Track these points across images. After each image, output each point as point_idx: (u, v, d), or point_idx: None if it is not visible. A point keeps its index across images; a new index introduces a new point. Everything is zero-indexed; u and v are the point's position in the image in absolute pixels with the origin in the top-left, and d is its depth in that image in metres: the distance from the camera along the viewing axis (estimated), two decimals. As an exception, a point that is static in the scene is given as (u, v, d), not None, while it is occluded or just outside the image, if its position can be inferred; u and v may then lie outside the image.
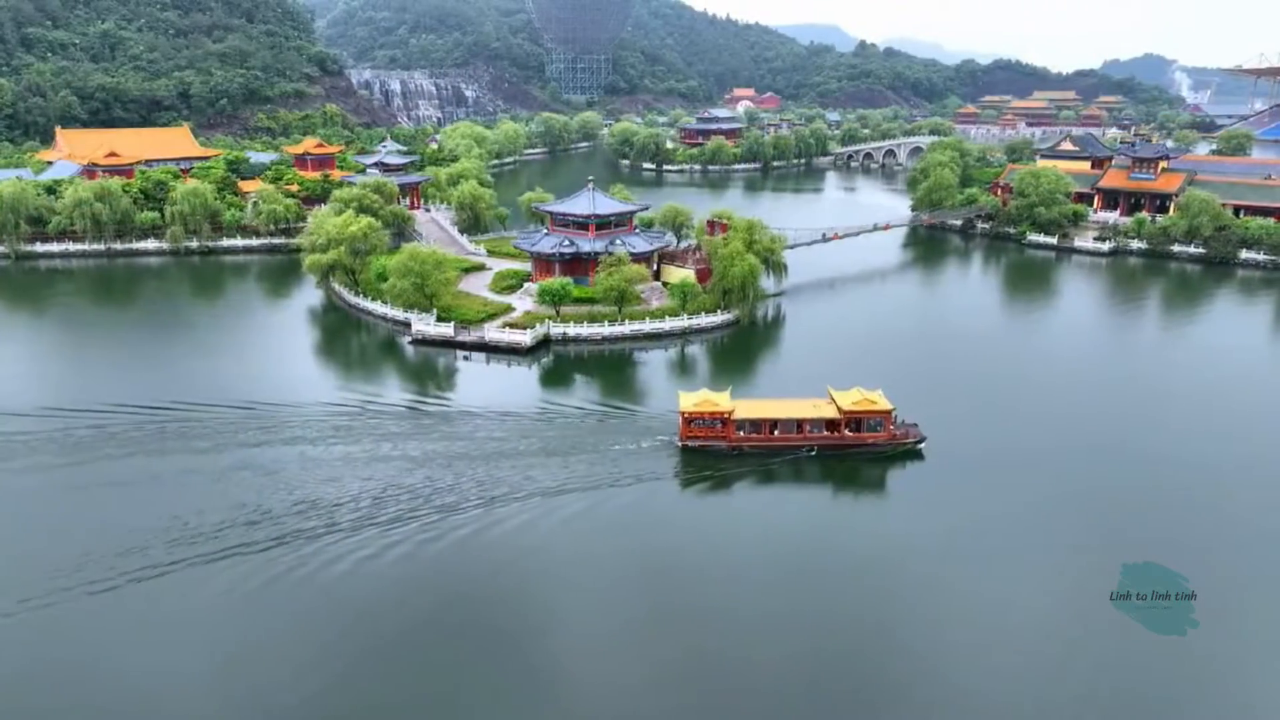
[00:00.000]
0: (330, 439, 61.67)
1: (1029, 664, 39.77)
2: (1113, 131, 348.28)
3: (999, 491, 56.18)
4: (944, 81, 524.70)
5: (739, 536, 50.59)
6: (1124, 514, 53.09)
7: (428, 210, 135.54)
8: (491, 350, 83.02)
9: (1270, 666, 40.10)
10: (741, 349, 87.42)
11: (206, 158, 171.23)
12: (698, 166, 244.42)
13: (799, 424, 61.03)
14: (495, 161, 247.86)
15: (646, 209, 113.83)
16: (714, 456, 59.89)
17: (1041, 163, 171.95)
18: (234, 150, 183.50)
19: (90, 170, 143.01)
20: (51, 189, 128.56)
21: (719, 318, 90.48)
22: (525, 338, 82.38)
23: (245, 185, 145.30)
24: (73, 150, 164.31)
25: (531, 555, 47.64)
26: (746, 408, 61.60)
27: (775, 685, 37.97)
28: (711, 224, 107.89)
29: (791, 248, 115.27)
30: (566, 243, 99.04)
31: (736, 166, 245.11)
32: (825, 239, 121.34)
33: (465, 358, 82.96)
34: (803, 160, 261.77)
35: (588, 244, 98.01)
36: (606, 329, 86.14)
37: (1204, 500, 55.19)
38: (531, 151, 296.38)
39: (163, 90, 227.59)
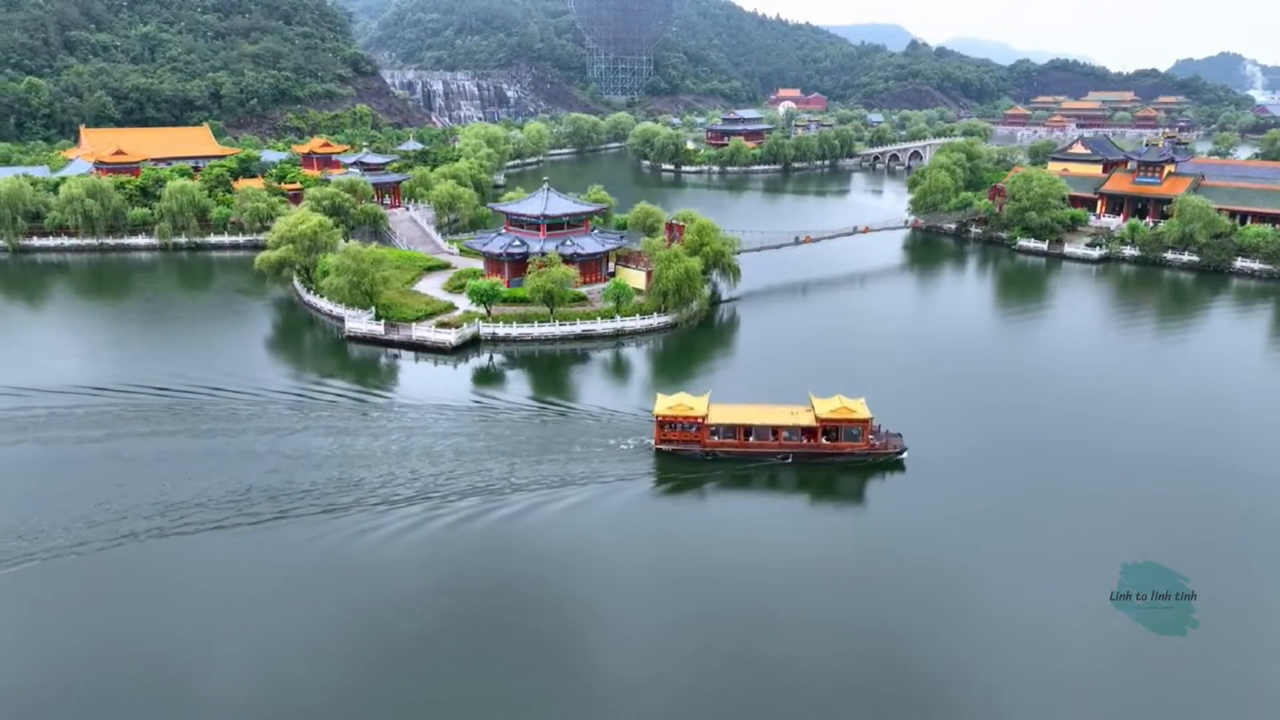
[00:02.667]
0: (235, 429, 63.13)
1: (1030, 667, 39.72)
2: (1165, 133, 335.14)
3: (984, 502, 54.62)
4: (996, 82, 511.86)
5: (711, 543, 50.10)
6: (1120, 521, 52.19)
7: (407, 209, 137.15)
8: (419, 349, 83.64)
9: (1271, 666, 40.20)
10: (674, 353, 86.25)
11: (223, 156, 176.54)
12: (716, 168, 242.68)
13: (774, 430, 59.79)
14: (516, 161, 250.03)
15: (603, 210, 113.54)
16: (689, 461, 59.21)
17: (1052, 166, 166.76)
18: (249, 149, 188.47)
19: (99, 168, 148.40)
20: (55, 186, 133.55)
21: (655, 320, 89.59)
22: (450, 337, 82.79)
23: (246, 183, 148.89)
24: (94, 149, 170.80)
25: (487, 555, 47.82)
26: (721, 412, 60.69)
27: (779, 689, 37.90)
28: (670, 226, 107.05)
29: (757, 251, 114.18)
30: (517, 243, 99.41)
31: (755, 168, 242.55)
32: (797, 242, 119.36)
33: (395, 356, 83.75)
34: (826, 162, 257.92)
35: (537, 244, 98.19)
36: (536, 330, 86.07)
37: (1201, 505, 54.28)
38: (560, 152, 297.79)
39: (195, 91, 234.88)
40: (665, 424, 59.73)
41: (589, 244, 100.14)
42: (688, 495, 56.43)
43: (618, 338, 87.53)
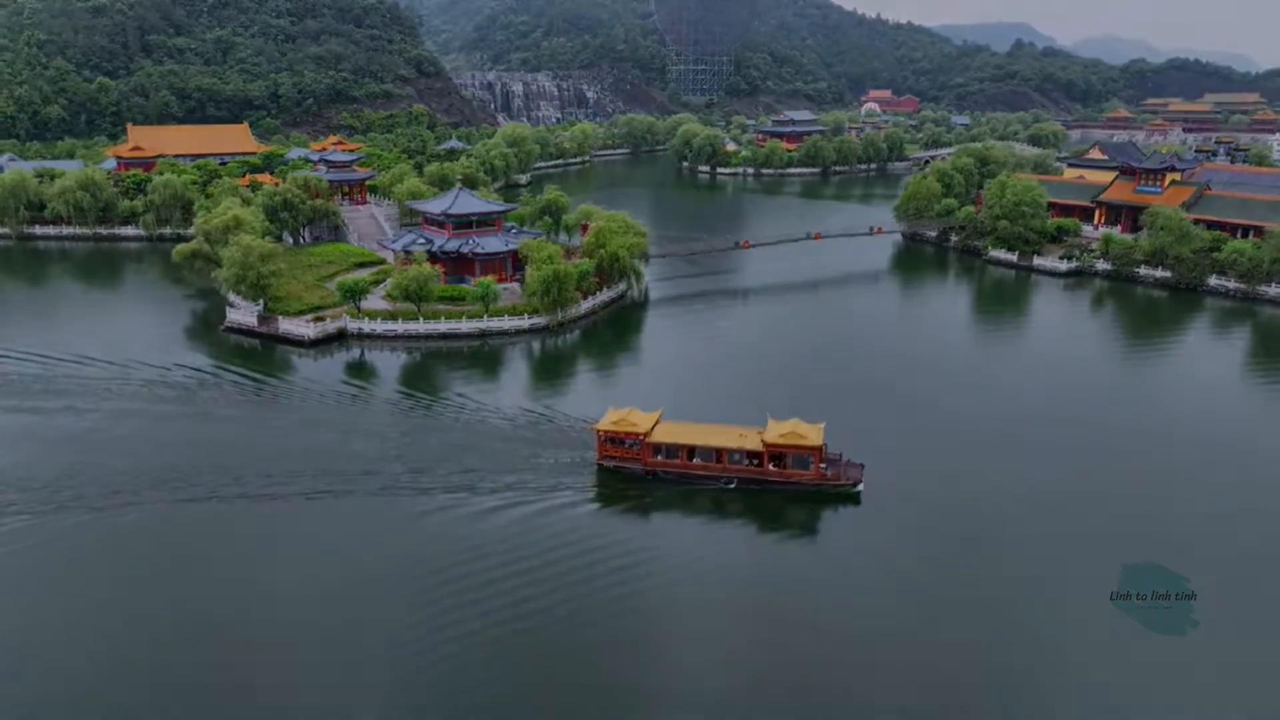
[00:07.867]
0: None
1: (1031, 671, 40.22)
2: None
3: (947, 535, 51.40)
4: (1104, 83, 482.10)
5: (651, 564, 48.43)
6: (1113, 537, 50.67)
7: (369, 205, 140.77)
8: (284, 341, 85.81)
9: (1271, 666, 40.16)
10: (537, 357, 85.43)
11: (253, 153, 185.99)
12: (751, 170, 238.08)
13: (718, 453, 56.47)
14: (559, 162, 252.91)
15: (514, 209, 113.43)
16: (630, 479, 57.05)
17: (1068, 172, 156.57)
18: (278, 147, 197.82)
19: (119, 162, 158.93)
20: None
21: (524, 322, 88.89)
22: (309, 331, 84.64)
23: (253, 178, 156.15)
24: (139, 145, 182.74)
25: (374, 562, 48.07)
26: (666, 430, 57.80)
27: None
28: (585, 226, 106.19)
29: (686, 255, 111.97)
30: (422, 240, 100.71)
31: (792, 170, 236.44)
32: (736, 246, 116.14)
33: (265, 347, 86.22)
34: (871, 165, 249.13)
35: (442, 242, 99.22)
36: (400, 327, 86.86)
37: (1196, 515, 53.49)
38: (614, 152, 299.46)
39: (256, 90, 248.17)
40: (608, 439, 57.34)
41: (492, 244, 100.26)
42: (627, 513, 54.31)
43: (483, 337, 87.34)
